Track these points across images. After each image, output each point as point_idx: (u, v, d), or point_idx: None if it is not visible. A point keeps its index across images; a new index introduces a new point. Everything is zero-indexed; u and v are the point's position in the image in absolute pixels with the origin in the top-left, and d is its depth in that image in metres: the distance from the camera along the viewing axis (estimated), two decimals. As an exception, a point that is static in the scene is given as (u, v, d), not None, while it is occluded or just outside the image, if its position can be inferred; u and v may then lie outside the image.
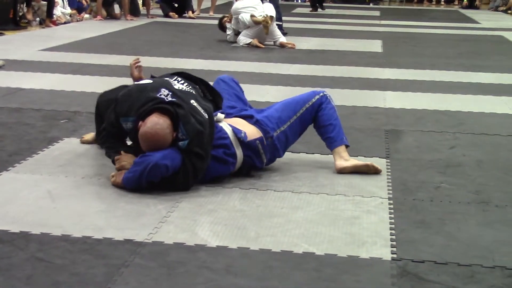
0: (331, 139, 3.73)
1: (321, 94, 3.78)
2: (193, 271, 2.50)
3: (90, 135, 4.17)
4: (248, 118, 3.66)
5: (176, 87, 3.43)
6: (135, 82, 3.67)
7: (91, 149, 3.98)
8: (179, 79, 3.56)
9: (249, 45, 8.79)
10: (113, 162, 3.45)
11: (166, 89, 3.38)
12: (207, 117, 3.37)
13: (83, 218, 2.96)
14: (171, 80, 3.51)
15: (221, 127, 3.50)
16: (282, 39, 8.94)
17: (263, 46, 8.78)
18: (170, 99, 3.32)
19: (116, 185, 3.34)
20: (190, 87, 3.53)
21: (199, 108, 3.38)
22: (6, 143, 4.05)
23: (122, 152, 3.41)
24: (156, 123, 3.25)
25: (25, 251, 2.61)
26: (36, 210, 3.04)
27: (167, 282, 2.41)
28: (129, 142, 3.59)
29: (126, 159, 3.37)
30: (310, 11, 14.98)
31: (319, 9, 15.11)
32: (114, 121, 3.43)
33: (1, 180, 3.42)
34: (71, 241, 2.72)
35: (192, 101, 3.38)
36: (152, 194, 3.25)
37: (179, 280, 2.43)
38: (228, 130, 3.50)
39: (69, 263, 2.53)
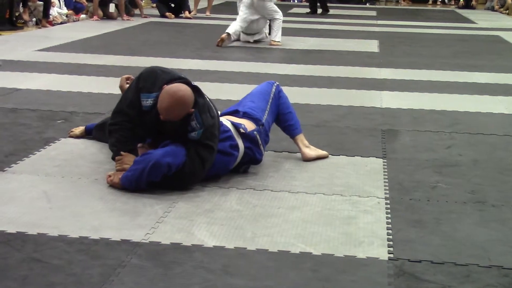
0: (292, 127, 3.93)
1: (275, 83, 3.94)
2: (189, 271, 2.50)
3: (79, 129, 4.19)
4: (234, 113, 3.73)
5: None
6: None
7: (87, 150, 3.97)
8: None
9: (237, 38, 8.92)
10: (113, 158, 3.42)
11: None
12: (215, 113, 3.41)
13: (80, 219, 2.96)
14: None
15: (222, 121, 3.52)
16: (273, 36, 9.00)
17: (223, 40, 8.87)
18: (193, 84, 3.36)
19: (113, 185, 3.33)
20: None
21: (211, 104, 3.41)
22: (2, 143, 4.04)
23: (122, 153, 3.37)
24: (181, 86, 3.26)
25: (22, 252, 2.61)
26: (32, 210, 3.03)
27: (164, 283, 2.41)
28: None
29: (128, 162, 3.34)
30: (307, 13, 14.59)
31: (319, 11, 14.74)
32: (135, 99, 3.36)
33: (-2, 181, 3.42)
34: (67, 242, 2.72)
35: (206, 96, 3.42)
36: (149, 194, 3.24)
37: (176, 280, 2.43)
38: (228, 124, 3.54)
39: (65, 264, 2.52)
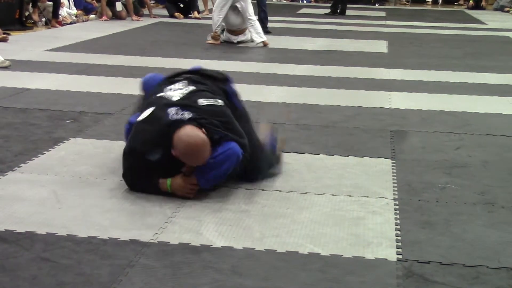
0: None
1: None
2: (198, 272, 2.50)
3: None
4: None
5: (175, 99, 3.25)
6: (137, 119, 3.31)
7: (96, 150, 3.99)
8: (178, 80, 3.44)
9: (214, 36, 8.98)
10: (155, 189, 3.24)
11: (172, 106, 3.20)
12: (221, 110, 3.29)
13: (89, 218, 2.97)
14: (164, 93, 3.32)
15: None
16: (263, 37, 9.02)
17: (218, 43, 8.97)
18: (187, 116, 3.16)
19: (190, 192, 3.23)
20: (191, 85, 3.39)
21: (212, 108, 3.25)
22: (12, 143, 4.06)
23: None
24: (191, 131, 3.09)
25: (31, 251, 2.62)
26: (41, 210, 3.04)
27: (172, 283, 2.42)
28: None
29: (191, 181, 3.22)
30: (327, 13, 14.39)
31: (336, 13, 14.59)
32: (139, 159, 3.21)
33: (7, 180, 3.43)
34: (76, 241, 2.72)
35: (201, 101, 3.23)
36: (157, 195, 3.25)
37: (184, 280, 2.44)
38: None
39: (74, 263, 2.53)
